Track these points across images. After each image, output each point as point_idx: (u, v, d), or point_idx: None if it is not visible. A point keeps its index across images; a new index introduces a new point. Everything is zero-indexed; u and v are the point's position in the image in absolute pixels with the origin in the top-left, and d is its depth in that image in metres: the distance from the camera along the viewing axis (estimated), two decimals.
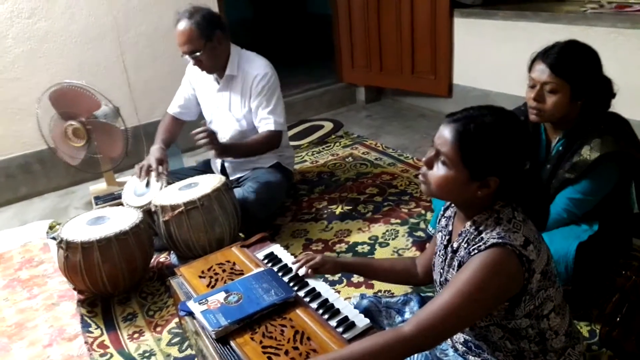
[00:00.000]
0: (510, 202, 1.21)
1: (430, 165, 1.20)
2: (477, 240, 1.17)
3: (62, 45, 3.14)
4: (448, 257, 1.29)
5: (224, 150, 2.45)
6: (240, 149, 2.53)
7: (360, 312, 1.42)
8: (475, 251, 1.14)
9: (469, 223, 1.22)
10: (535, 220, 1.24)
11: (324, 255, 1.62)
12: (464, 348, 1.35)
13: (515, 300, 1.17)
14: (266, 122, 2.52)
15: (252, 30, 5.91)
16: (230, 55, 2.52)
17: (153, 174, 2.47)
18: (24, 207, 3.15)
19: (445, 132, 1.15)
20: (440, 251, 1.35)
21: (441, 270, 1.32)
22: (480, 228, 1.19)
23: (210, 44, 2.39)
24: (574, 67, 1.61)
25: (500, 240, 1.12)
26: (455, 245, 1.26)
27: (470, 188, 1.16)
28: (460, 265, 1.21)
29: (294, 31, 6.27)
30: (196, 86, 2.73)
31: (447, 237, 1.33)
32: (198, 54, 2.38)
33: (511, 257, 1.11)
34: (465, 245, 1.20)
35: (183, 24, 2.35)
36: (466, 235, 1.22)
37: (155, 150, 2.58)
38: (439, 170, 1.17)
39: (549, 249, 1.24)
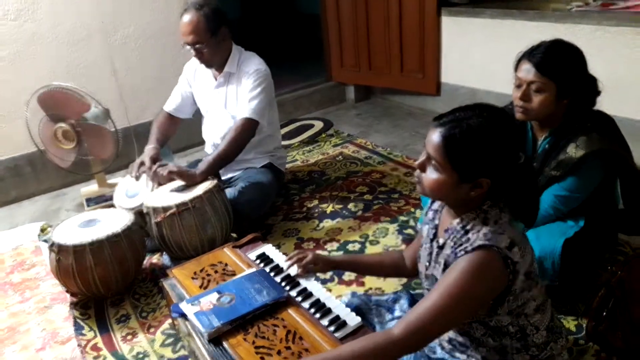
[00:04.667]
0: (498, 203, 1.22)
1: (423, 168, 1.22)
2: (463, 240, 1.19)
3: (49, 47, 3.12)
4: (434, 252, 1.31)
5: (197, 175, 2.33)
6: (216, 160, 2.39)
7: (351, 311, 1.44)
8: (462, 252, 1.16)
9: (456, 221, 1.24)
10: (525, 216, 1.25)
11: (314, 253, 1.63)
12: (450, 346, 1.37)
13: (499, 299, 1.19)
14: (242, 110, 2.50)
15: (240, 29, 5.90)
16: (231, 52, 2.56)
17: (145, 174, 2.46)
18: (14, 210, 3.13)
19: (434, 136, 1.17)
20: (426, 244, 1.37)
21: (427, 264, 1.35)
22: (467, 227, 1.21)
23: (215, 38, 2.43)
24: (559, 66, 1.64)
25: (487, 243, 1.14)
26: (441, 241, 1.28)
27: (463, 189, 1.18)
28: (446, 264, 1.23)
29: (283, 30, 6.27)
30: (193, 83, 2.74)
31: (433, 232, 1.36)
32: (201, 45, 2.41)
33: (496, 258, 1.14)
34: (452, 244, 1.23)
35: (191, 15, 2.38)
36: (453, 233, 1.24)
37: (149, 150, 2.57)
38: (431, 174, 1.20)
39: (532, 250, 1.27)
